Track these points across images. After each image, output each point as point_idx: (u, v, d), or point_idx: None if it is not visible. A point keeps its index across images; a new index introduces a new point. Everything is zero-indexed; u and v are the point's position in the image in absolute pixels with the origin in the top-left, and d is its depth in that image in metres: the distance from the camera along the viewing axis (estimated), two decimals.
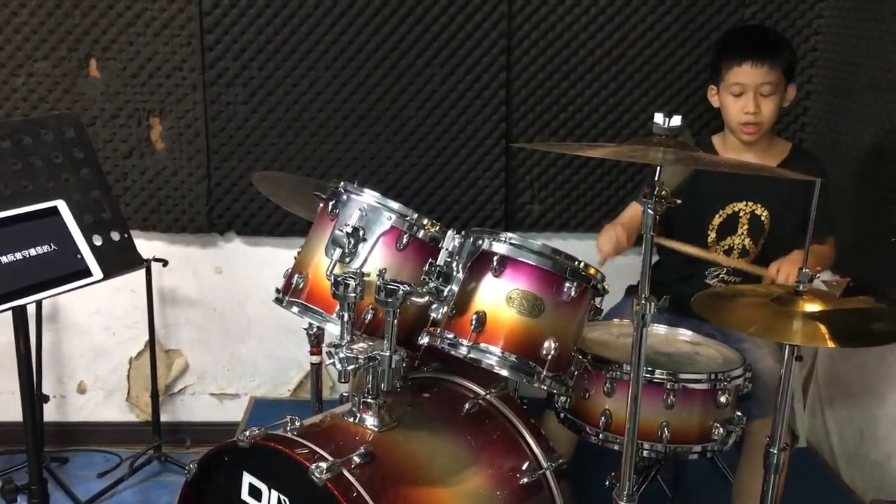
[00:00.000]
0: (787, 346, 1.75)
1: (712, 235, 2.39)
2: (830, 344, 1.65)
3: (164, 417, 2.96)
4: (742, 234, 2.37)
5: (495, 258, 1.82)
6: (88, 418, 3.09)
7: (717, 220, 2.38)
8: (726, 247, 2.39)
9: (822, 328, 1.65)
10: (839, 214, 2.57)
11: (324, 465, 1.57)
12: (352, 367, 1.72)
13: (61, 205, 1.93)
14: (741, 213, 2.36)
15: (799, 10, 2.84)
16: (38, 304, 2.70)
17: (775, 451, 1.80)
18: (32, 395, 1.99)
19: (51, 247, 1.86)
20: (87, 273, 1.91)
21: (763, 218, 2.35)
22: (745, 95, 2.28)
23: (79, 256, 1.90)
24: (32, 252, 1.82)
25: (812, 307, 1.71)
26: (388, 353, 1.75)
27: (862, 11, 2.62)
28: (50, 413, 2.91)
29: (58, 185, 1.98)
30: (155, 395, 2.89)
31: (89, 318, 3.01)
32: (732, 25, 2.82)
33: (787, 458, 2.08)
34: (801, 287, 1.75)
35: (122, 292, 2.96)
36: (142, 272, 2.73)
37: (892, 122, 2.44)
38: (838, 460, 2.80)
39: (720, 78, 2.33)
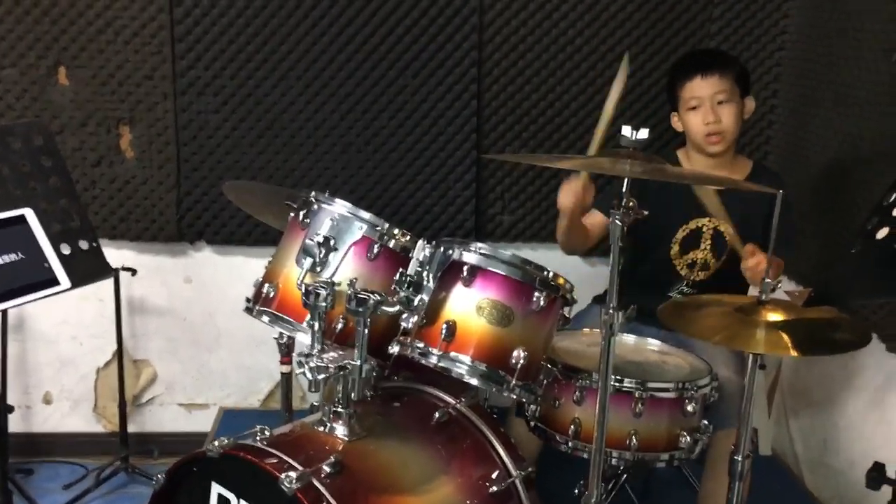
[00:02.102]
0: (751, 355, 1.78)
1: (675, 249, 2.43)
2: (793, 353, 1.68)
3: (131, 428, 2.93)
4: (705, 248, 2.41)
5: (465, 268, 1.83)
6: (54, 429, 3.05)
7: (680, 235, 2.42)
8: (689, 261, 2.43)
9: (785, 337, 1.68)
10: (803, 225, 2.62)
11: (293, 474, 1.57)
12: (322, 376, 1.72)
13: (29, 213, 1.91)
14: (704, 229, 2.41)
15: (763, 26, 2.90)
16: (4, 313, 2.66)
17: (739, 459, 1.83)
18: None
19: (18, 255, 1.84)
20: (55, 282, 1.89)
21: (726, 234, 2.39)
22: (702, 107, 2.34)
23: (46, 265, 1.89)
24: None
25: (775, 317, 1.74)
26: (358, 363, 1.76)
27: (825, 27, 2.68)
28: (15, 424, 2.86)
29: (25, 194, 1.96)
30: (122, 406, 2.86)
31: (56, 327, 2.98)
32: (699, 40, 2.88)
33: (751, 466, 2.13)
34: (763, 297, 1.78)
35: (89, 301, 2.93)
36: (110, 281, 2.70)
37: (854, 136, 2.50)
38: (802, 468, 2.85)
39: (677, 99, 2.41)
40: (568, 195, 2.21)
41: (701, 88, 2.34)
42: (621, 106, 2.83)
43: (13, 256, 1.83)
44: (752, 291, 2.18)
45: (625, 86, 2.13)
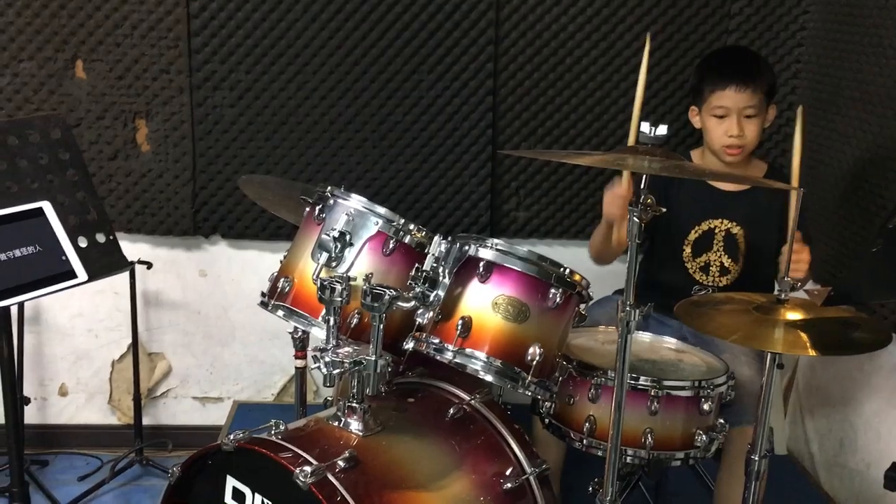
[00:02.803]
0: (769, 354, 1.77)
1: (687, 250, 2.41)
2: (811, 352, 1.66)
3: (145, 421, 2.95)
4: (718, 251, 2.39)
5: (482, 264, 1.83)
6: (69, 421, 3.07)
7: (692, 236, 2.40)
8: (702, 263, 2.41)
9: (804, 336, 1.67)
10: (822, 224, 2.60)
11: (308, 469, 1.57)
12: (337, 371, 1.72)
13: (46, 206, 1.92)
14: (716, 231, 2.39)
15: (782, 22, 2.87)
16: (20, 305, 2.68)
17: (756, 458, 1.82)
18: (15, 398, 1.98)
19: (36, 248, 1.85)
20: (72, 275, 1.90)
21: (738, 237, 2.37)
22: (728, 118, 2.29)
23: (64, 258, 1.89)
24: (17, 253, 1.81)
25: (794, 316, 1.73)
26: (373, 358, 1.76)
27: (845, 24, 2.65)
28: (31, 415, 2.89)
29: (43, 187, 1.97)
30: (137, 399, 2.88)
31: (71, 320, 2.99)
32: (717, 36, 2.85)
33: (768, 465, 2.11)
34: (783, 296, 1.77)
35: (105, 295, 2.94)
36: (125, 274, 2.71)
37: (874, 135, 2.47)
38: (818, 469, 2.83)
39: (702, 101, 2.35)
40: (615, 202, 2.15)
41: (732, 100, 2.28)
42: (620, 87, 2.83)
43: (31, 249, 1.84)
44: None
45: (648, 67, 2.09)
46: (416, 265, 1.90)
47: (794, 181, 2.04)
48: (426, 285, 1.86)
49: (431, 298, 1.86)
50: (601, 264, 2.43)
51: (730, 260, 2.39)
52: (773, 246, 2.32)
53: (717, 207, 2.38)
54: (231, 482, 1.71)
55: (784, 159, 2.94)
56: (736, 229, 2.37)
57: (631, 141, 2.14)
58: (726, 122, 2.30)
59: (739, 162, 2.37)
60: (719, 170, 2.38)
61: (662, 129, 1.65)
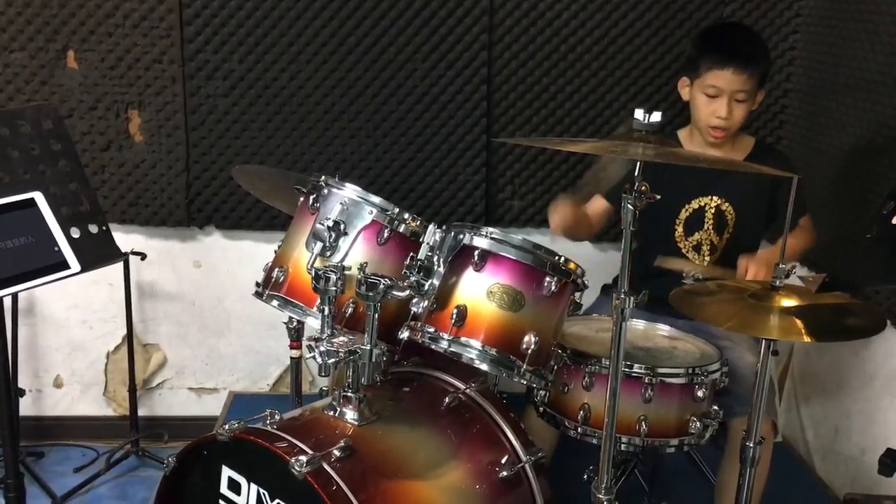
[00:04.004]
0: (764, 341, 1.77)
1: (679, 230, 2.40)
2: (806, 338, 1.67)
3: (141, 412, 2.94)
4: (708, 228, 2.38)
5: (476, 252, 1.82)
6: (65, 413, 3.07)
7: (683, 215, 2.39)
8: (694, 242, 2.40)
9: (799, 323, 1.67)
10: (817, 211, 2.60)
11: (303, 458, 1.57)
12: (332, 360, 1.72)
13: (38, 196, 1.90)
14: (707, 208, 2.38)
15: (777, 9, 2.86)
16: (14, 297, 2.67)
17: (751, 445, 1.82)
18: (10, 389, 1.97)
19: (28, 239, 1.83)
20: (65, 266, 1.89)
21: (727, 213, 2.37)
22: (719, 99, 2.26)
23: (56, 249, 1.88)
24: (9, 244, 1.79)
25: (788, 302, 1.73)
26: (368, 347, 1.76)
27: (840, 10, 2.64)
28: (25, 407, 2.89)
29: (35, 177, 1.95)
30: (132, 390, 2.87)
31: (66, 311, 2.98)
32: (711, 22, 2.84)
33: (770, 452, 2.12)
34: (777, 282, 1.77)
35: (99, 286, 2.94)
36: (120, 265, 2.71)
37: (868, 121, 2.47)
38: (813, 455, 2.84)
39: (696, 75, 2.30)
40: (558, 215, 2.21)
41: (728, 82, 2.24)
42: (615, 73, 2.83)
43: (23, 240, 1.83)
44: None
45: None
46: (411, 254, 1.90)
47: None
48: (421, 274, 1.85)
49: (426, 287, 1.86)
50: (574, 240, 2.45)
51: (717, 237, 2.39)
52: (759, 223, 2.32)
53: (706, 185, 2.37)
54: (227, 472, 1.72)
55: (772, 138, 2.94)
56: (725, 206, 2.36)
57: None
58: (716, 103, 2.27)
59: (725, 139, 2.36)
60: (703, 151, 2.35)
61: (656, 117, 1.64)
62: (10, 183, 1.90)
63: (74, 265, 1.90)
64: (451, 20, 2.77)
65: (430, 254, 1.89)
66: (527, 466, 1.89)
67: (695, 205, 2.38)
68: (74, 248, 1.91)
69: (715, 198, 2.36)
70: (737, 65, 2.23)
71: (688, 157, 1.76)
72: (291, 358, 2.38)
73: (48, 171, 1.99)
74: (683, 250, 2.41)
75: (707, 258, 2.40)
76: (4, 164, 1.91)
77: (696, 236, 2.39)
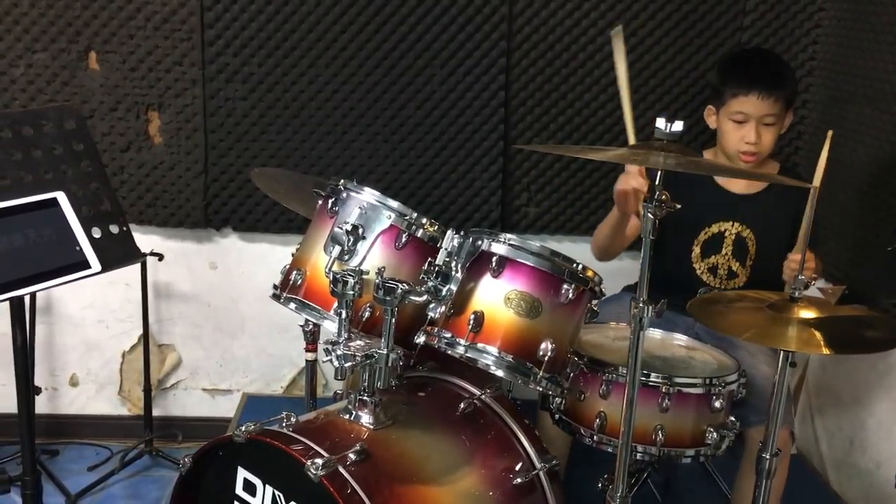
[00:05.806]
0: (782, 352, 1.76)
1: (696, 251, 2.40)
2: (825, 351, 1.66)
3: (155, 412, 2.96)
4: (726, 254, 2.37)
5: (494, 259, 1.83)
6: (80, 411, 3.08)
7: (702, 237, 2.39)
8: (711, 264, 2.39)
9: (818, 335, 1.67)
10: (836, 223, 2.59)
11: (319, 461, 1.57)
12: (349, 364, 1.72)
13: (61, 196, 1.91)
14: (726, 233, 2.37)
15: (797, 20, 2.86)
16: (32, 296, 2.69)
17: (767, 457, 1.82)
18: (29, 388, 1.98)
19: (50, 238, 1.85)
20: (86, 265, 1.89)
21: (748, 239, 2.36)
22: (747, 124, 2.25)
23: (77, 248, 1.89)
24: (31, 243, 1.81)
25: (807, 314, 1.72)
26: (384, 352, 1.76)
27: (859, 21, 2.63)
28: (41, 405, 2.90)
29: (57, 177, 1.97)
30: (147, 390, 2.89)
31: (83, 311, 3.00)
32: (731, 33, 2.84)
33: (787, 464, 2.10)
34: (796, 294, 1.76)
35: (116, 286, 2.95)
36: (137, 266, 2.72)
37: (889, 132, 2.46)
38: (828, 468, 2.82)
39: (722, 103, 2.30)
40: (628, 181, 2.08)
41: (754, 107, 2.23)
42: (634, 83, 2.82)
43: (45, 239, 1.84)
44: None
45: (626, 60, 2.07)
46: (429, 259, 1.90)
47: (817, 180, 1.99)
48: (438, 279, 1.85)
49: (443, 293, 1.86)
50: (604, 259, 2.42)
51: (738, 264, 2.37)
52: (782, 251, 2.31)
53: (727, 209, 2.36)
54: (242, 473, 1.72)
55: (797, 157, 2.93)
56: (746, 232, 2.36)
57: (631, 140, 2.12)
58: (744, 129, 2.26)
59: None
60: (729, 164, 2.35)
61: (678, 126, 1.64)
62: (32, 182, 1.92)
63: (95, 265, 1.91)
64: (470, 26, 2.78)
65: (447, 259, 1.89)
66: (541, 473, 1.88)
67: (715, 229, 2.37)
68: (95, 248, 1.92)
69: (736, 223, 2.36)
70: (761, 89, 2.22)
71: (708, 166, 1.76)
72: (306, 361, 2.39)
73: (70, 172, 2.00)
74: (698, 271, 2.40)
75: (726, 284, 2.38)
76: (27, 163, 1.92)
77: (713, 259, 2.38)
